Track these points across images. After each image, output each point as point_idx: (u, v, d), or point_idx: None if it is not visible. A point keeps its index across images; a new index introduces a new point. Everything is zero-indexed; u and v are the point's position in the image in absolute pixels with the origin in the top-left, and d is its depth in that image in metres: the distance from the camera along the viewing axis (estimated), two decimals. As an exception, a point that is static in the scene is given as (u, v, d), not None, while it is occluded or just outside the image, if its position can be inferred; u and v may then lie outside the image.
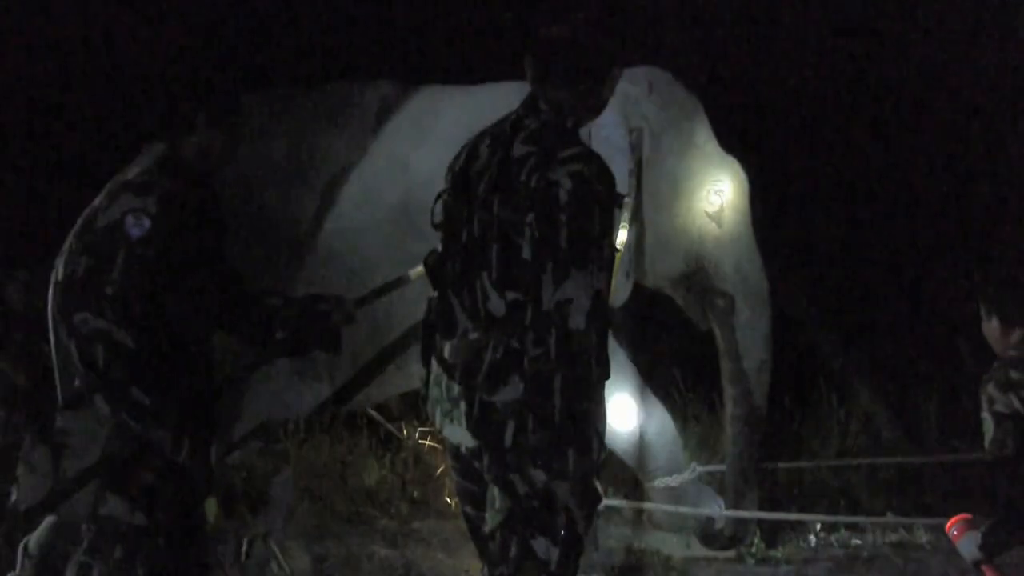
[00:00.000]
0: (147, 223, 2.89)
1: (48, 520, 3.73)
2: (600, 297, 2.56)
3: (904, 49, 7.27)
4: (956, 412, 6.01)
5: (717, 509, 4.74)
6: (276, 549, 4.54)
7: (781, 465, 5.24)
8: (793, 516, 4.92)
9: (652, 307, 4.91)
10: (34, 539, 3.90)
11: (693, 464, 4.82)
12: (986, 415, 3.61)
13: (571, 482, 2.57)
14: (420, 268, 3.84)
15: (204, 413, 3.12)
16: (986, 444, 3.62)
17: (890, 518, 4.95)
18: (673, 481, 4.70)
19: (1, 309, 4.65)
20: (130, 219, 2.89)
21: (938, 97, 7.25)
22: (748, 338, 4.58)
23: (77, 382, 3.03)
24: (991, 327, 3.75)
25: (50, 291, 2.98)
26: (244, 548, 4.63)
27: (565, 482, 2.57)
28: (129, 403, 2.88)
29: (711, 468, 4.99)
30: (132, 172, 3.06)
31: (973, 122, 7.27)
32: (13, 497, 3.12)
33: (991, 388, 3.59)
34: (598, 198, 2.60)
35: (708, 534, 4.70)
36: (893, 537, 4.96)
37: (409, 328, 4.18)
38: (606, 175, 2.64)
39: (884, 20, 7.31)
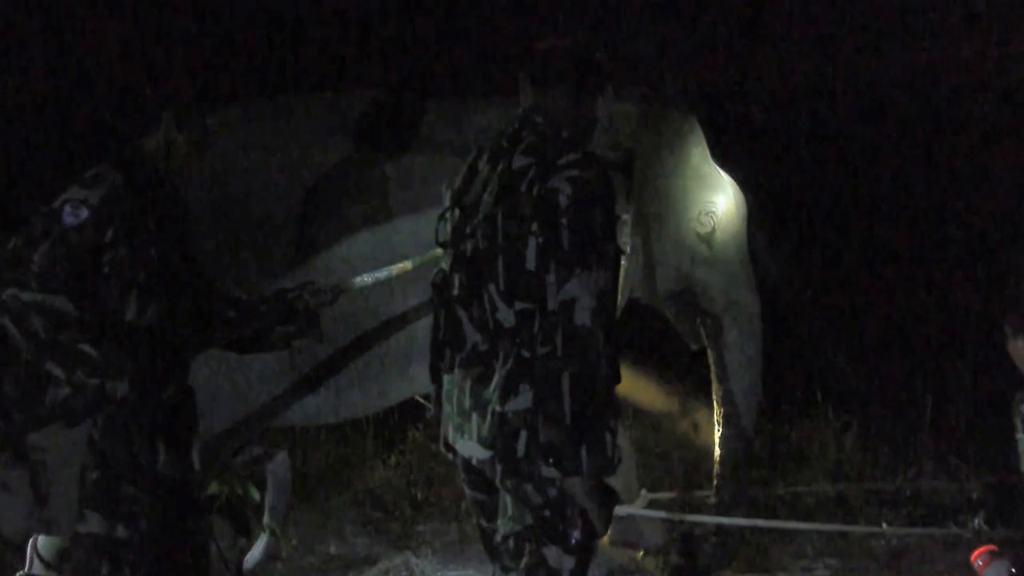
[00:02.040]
0: (84, 213, 2.93)
1: None
2: (605, 296, 2.62)
3: (907, 56, 7.29)
4: (953, 425, 6.08)
5: (661, 539, 4.79)
6: (277, 530, 4.57)
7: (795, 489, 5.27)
8: (790, 525, 4.95)
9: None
10: (44, 539, 3.96)
11: (643, 491, 4.86)
12: (1021, 436, 3.59)
13: (586, 480, 2.61)
14: (404, 264, 3.96)
15: (180, 419, 3.13)
16: (1021, 466, 3.59)
17: (885, 528, 4.97)
18: (621, 509, 4.72)
19: None
20: (68, 208, 2.93)
21: (942, 105, 7.27)
22: (736, 360, 4.56)
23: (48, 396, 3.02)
24: (1017, 347, 3.73)
25: None
26: (243, 543, 4.68)
27: (580, 480, 2.61)
28: (79, 360, 2.90)
29: (660, 496, 5.01)
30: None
31: (988, 132, 7.27)
32: None
33: None
34: (598, 200, 2.66)
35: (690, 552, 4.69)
36: (888, 546, 4.99)
37: (408, 336, 4.22)
38: (605, 178, 2.70)
39: (886, 28, 7.33)
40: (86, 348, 2.90)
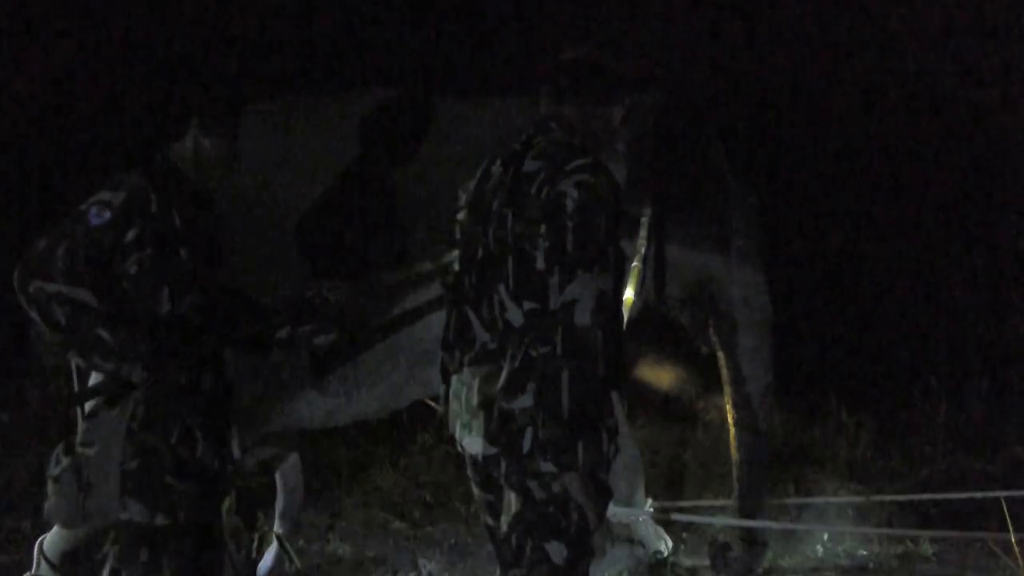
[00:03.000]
0: (107, 215, 3.02)
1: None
2: (605, 297, 2.68)
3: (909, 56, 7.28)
4: (963, 422, 6.06)
5: (664, 548, 4.77)
6: (287, 544, 4.58)
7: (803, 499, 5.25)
8: (800, 526, 4.94)
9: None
10: (49, 541, 3.98)
11: (649, 500, 4.84)
12: None
13: (581, 474, 2.66)
14: (424, 265, 3.96)
15: (216, 410, 3.18)
16: None
17: (897, 529, 4.96)
18: (626, 516, 4.71)
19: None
20: (94, 209, 3.03)
21: (941, 104, 7.24)
22: (752, 363, 4.53)
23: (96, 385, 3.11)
24: None
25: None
26: (255, 544, 4.70)
27: (575, 475, 2.66)
28: (96, 345, 2.97)
29: (667, 506, 4.96)
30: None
31: (978, 126, 7.24)
32: (45, 511, 3.17)
33: None
34: (603, 205, 2.73)
35: (719, 559, 4.67)
36: (899, 548, 4.97)
37: (420, 337, 4.21)
38: (611, 184, 2.78)
39: (890, 28, 7.32)
40: (102, 333, 2.98)
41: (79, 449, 3.07)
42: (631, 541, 4.87)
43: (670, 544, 4.82)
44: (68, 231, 3.01)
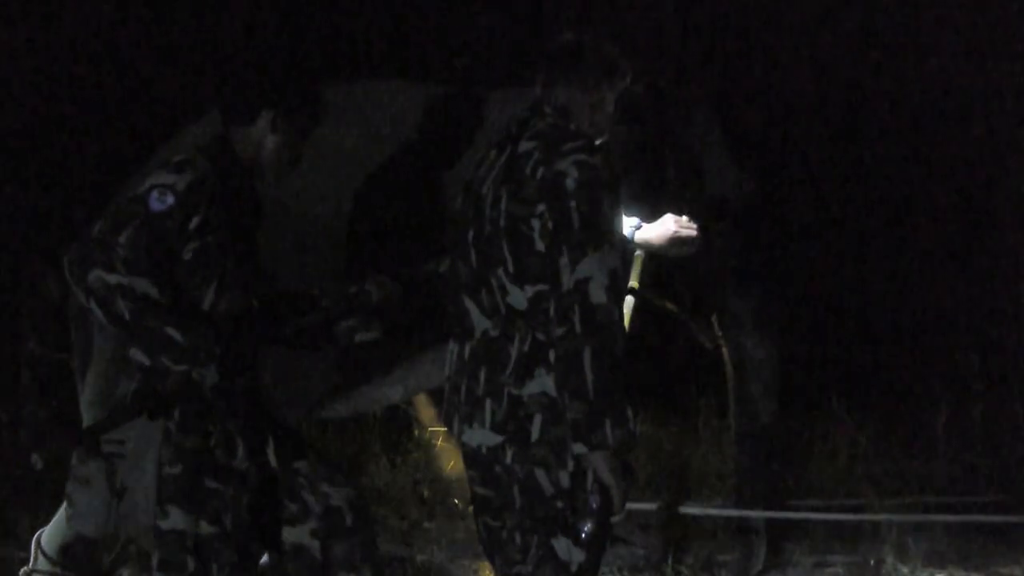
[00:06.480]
0: (170, 199, 2.86)
1: (64, 521, 3.75)
2: (616, 275, 2.66)
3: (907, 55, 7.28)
4: (964, 422, 6.07)
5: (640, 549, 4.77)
6: None
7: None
8: (799, 515, 4.94)
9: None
10: (47, 535, 3.95)
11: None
12: None
13: (610, 453, 2.63)
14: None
15: (252, 411, 3.06)
16: None
17: (897, 519, 4.96)
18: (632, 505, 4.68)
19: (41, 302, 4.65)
20: (155, 193, 2.87)
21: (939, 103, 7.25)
22: (757, 358, 4.55)
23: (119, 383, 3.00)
24: None
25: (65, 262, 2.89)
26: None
27: (605, 454, 2.63)
28: (165, 344, 2.83)
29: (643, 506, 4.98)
30: (178, 148, 3.08)
31: (977, 130, 7.25)
32: (69, 514, 3.06)
33: None
34: (604, 182, 2.72)
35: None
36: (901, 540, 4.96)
37: (419, 330, 4.19)
38: (609, 163, 2.79)
39: (886, 25, 7.33)
40: (172, 333, 2.83)
41: (105, 448, 2.93)
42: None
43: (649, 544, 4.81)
44: (129, 216, 2.85)
